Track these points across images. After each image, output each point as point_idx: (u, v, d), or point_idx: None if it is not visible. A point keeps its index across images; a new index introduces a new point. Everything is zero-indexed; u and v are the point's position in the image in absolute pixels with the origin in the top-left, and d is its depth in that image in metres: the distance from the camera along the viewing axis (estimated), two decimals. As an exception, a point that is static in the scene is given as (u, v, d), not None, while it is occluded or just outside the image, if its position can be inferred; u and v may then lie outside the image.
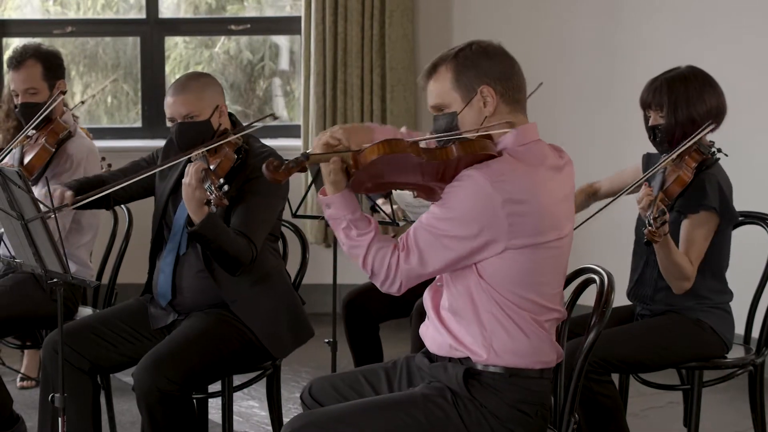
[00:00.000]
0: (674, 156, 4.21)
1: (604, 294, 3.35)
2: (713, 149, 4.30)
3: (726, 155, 4.32)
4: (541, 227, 3.17)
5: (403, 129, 3.58)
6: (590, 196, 4.69)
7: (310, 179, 5.15)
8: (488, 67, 3.23)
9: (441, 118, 3.28)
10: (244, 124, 4.31)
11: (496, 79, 3.23)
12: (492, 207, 3.11)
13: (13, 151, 4.85)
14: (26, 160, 4.77)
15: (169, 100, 4.21)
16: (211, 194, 3.85)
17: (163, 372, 3.94)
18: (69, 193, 4.23)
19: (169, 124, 4.24)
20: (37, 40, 7.70)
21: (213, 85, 4.28)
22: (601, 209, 4.39)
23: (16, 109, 4.92)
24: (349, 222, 3.22)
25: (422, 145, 3.23)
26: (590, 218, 4.35)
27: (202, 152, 4.11)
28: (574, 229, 3.41)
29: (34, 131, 4.84)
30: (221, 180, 3.91)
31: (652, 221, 3.94)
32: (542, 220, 3.17)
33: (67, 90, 4.95)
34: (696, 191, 4.21)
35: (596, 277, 3.43)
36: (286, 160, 3.16)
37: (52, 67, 4.88)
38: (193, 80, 4.26)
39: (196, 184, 3.92)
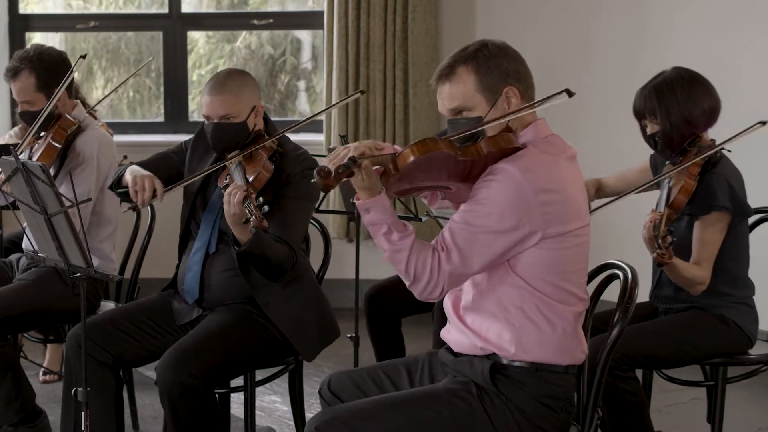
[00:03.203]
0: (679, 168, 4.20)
1: (628, 289, 3.35)
2: (714, 147, 4.23)
3: (729, 150, 4.27)
4: (569, 216, 3.19)
5: None
6: (598, 189, 4.67)
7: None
8: (509, 66, 3.25)
9: (463, 122, 3.26)
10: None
11: (517, 79, 3.25)
12: (526, 198, 3.12)
13: (24, 152, 4.85)
14: (34, 159, 4.76)
15: (206, 99, 4.16)
16: (250, 214, 3.77)
17: (186, 366, 3.94)
18: (159, 183, 4.14)
19: (202, 119, 4.21)
20: (56, 36, 7.79)
21: (251, 84, 4.24)
22: (611, 200, 4.39)
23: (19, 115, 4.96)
24: (390, 225, 3.18)
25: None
26: (601, 207, 4.36)
27: (239, 160, 4.07)
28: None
29: (43, 132, 4.85)
30: (260, 199, 3.84)
31: (660, 242, 3.92)
32: (570, 208, 3.19)
33: (65, 98, 4.88)
34: (705, 193, 4.18)
35: (620, 273, 3.43)
36: (338, 166, 3.10)
37: (50, 76, 4.83)
38: (232, 79, 4.20)
39: (238, 210, 3.84)
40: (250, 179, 4.01)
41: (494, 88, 3.23)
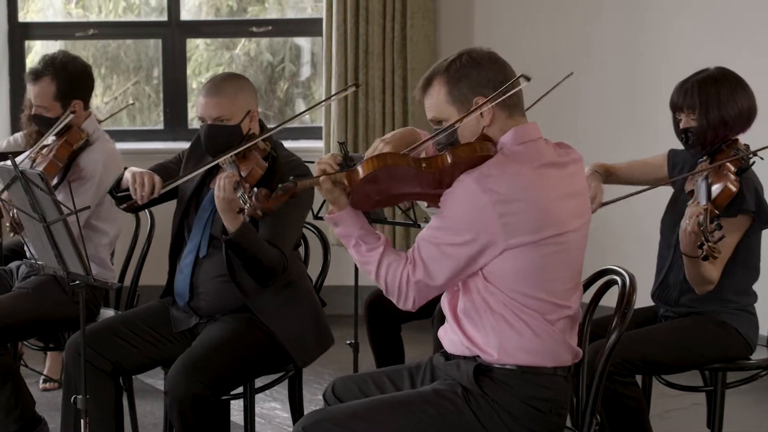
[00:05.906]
0: (714, 165, 4.18)
1: (626, 295, 3.36)
2: (749, 153, 4.25)
3: (762, 158, 4.29)
4: (539, 224, 3.17)
5: None
6: (603, 176, 4.59)
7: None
8: (480, 77, 3.28)
9: (440, 132, 3.31)
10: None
11: (489, 88, 3.26)
12: (483, 210, 3.13)
13: (26, 160, 4.84)
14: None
15: (201, 100, 4.18)
16: (244, 203, 3.76)
17: (198, 376, 3.94)
18: (158, 179, 4.20)
19: (198, 123, 4.23)
20: (56, 44, 7.79)
21: (247, 89, 4.26)
22: (625, 197, 4.38)
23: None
24: (358, 238, 3.27)
25: (422, 153, 3.30)
26: (611, 202, 4.35)
27: (231, 157, 4.08)
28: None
29: (51, 138, 4.84)
30: (254, 189, 3.86)
31: (709, 236, 3.88)
32: (539, 216, 3.17)
33: (80, 110, 4.89)
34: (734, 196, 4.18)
35: (618, 279, 3.43)
36: (278, 187, 3.27)
37: (70, 87, 4.86)
38: (228, 82, 4.23)
39: (229, 195, 3.89)
40: (244, 175, 4.02)
41: (463, 99, 3.27)
